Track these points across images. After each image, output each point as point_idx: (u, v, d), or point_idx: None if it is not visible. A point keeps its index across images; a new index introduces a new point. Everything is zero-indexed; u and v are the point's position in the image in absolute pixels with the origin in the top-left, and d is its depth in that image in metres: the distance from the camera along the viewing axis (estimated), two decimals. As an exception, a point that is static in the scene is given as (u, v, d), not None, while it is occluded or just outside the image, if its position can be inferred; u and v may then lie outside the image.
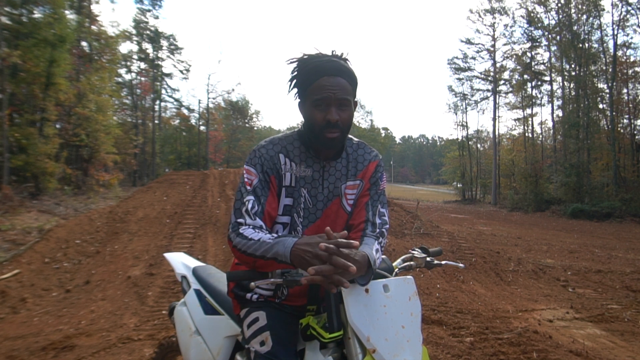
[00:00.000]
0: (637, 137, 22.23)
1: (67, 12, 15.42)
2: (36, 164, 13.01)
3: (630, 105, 22.58)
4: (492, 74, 32.43)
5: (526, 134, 30.91)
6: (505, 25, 36.11)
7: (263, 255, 1.19)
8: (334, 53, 1.37)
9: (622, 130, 22.93)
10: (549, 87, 29.20)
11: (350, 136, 1.50)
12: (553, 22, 26.80)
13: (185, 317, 1.91)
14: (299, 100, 1.42)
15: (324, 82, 1.31)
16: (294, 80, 1.39)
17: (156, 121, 33.98)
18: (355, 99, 1.41)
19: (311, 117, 1.34)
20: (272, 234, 1.24)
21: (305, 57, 1.36)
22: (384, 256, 1.42)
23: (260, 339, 1.34)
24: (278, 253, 1.15)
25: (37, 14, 14.13)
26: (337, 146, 1.38)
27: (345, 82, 1.33)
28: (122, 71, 29.93)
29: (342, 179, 1.45)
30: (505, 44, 32.04)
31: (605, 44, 23.38)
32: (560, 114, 27.08)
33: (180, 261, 2.22)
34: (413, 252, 1.57)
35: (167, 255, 2.40)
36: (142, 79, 32.27)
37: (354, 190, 1.47)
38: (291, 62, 1.39)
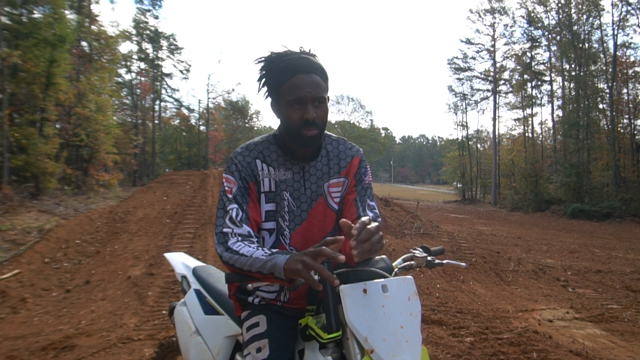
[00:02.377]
0: (637, 137, 22.22)
1: (67, 12, 15.42)
2: (36, 164, 12.99)
3: (630, 105, 22.56)
4: (492, 74, 32.43)
5: (526, 134, 30.90)
6: (505, 25, 36.03)
7: (259, 272, 1.17)
8: (302, 49, 1.34)
9: (622, 130, 22.91)
10: (549, 87, 29.24)
11: (328, 133, 1.48)
12: (553, 22, 26.84)
13: (185, 317, 1.91)
14: (270, 100, 1.39)
15: (298, 81, 1.28)
16: (264, 79, 1.36)
17: (156, 121, 33.99)
18: (328, 94, 1.39)
19: (287, 117, 1.32)
20: (264, 249, 1.21)
21: (273, 55, 1.34)
22: (383, 256, 1.41)
23: (257, 344, 1.33)
24: (274, 268, 1.14)
25: (37, 14, 14.13)
26: (315, 144, 1.35)
27: (319, 79, 1.31)
28: (122, 71, 29.98)
29: (324, 178, 1.43)
30: (505, 44, 32.08)
31: (605, 44, 23.40)
32: (560, 114, 27.10)
33: (181, 261, 2.22)
34: (414, 251, 1.56)
35: (167, 255, 2.40)
36: (142, 79, 32.27)
37: (338, 187, 1.45)
38: (259, 62, 1.36)
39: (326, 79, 1.35)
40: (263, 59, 1.35)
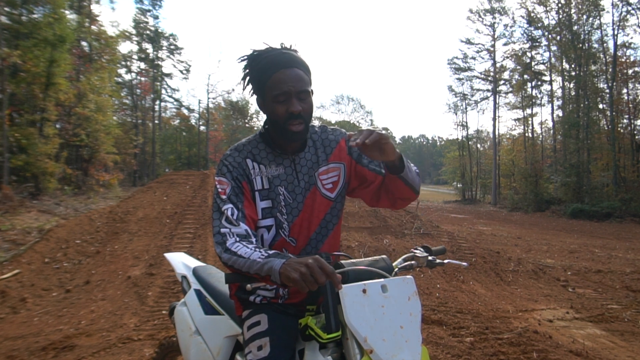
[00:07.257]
0: (637, 137, 22.19)
1: (67, 12, 15.42)
2: (36, 164, 12.99)
3: (630, 105, 22.54)
4: (492, 74, 32.40)
5: (526, 134, 30.86)
6: (505, 25, 35.87)
7: (257, 273, 1.17)
8: (283, 46, 1.37)
9: (622, 130, 22.88)
10: (549, 87, 29.20)
11: (311, 124, 1.51)
12: (553, 22, 26.79)
13: (186, 317, 1.91)
14: (256, 97, 1.43)
15: (281, 76, 1.32)
16: (247, 78, 1.40)
17: (156, 121, 33.99)
18: (312, 88, 1.42)
19: (273, 112, 1.35)
20: (261, 250, 1.20)
21: (255, 53, 1.37)
22: (383, 256, 1.41)
23: (258, 343, 1.34)
24: (271, 271, 1.13)
25: (37, 14, 14.13)
26: (301, 139, 1.39)
27: (301, 73, 1.34)
28: (122, 71, 29.99)
29: (314, 167, 1.46)
30: (505, 44, 32.07)
31: (605, 44, 23.37)
32: (560, 114, 27.07)
33: (181, 261, 2.23)
34: (415, 251, 1.56)
35: (168, 255, 2.41)
36: (142, 79, 32.27)
37: (329, 174, 1.48)
38: (242, 60, 1.40)
39: (309, 73, 1.39)
40: (245, 57, 1.39)
